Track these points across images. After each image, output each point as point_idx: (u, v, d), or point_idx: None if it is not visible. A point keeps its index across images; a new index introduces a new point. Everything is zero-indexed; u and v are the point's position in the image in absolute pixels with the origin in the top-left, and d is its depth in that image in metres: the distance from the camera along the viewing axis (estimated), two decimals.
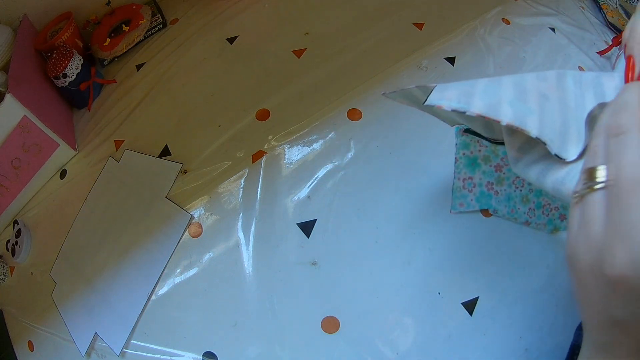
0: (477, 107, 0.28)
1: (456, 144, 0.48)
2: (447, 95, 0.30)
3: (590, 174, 0.22)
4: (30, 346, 0.51)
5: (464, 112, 0.28)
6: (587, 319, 0.24)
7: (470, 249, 0.45)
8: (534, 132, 0.26)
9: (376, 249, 0.45)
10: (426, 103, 0.30)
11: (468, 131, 0.47)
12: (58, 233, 0.54)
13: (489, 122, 0.31)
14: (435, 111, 0.35)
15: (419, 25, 0.60)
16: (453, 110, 0.29)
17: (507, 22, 0.62)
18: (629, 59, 0.27)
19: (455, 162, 0.47)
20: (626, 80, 0.26)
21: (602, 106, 0.26)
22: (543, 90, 0.27)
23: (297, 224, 0.47)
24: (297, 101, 0.54)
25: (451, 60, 0.57)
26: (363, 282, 0.44)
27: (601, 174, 0.22)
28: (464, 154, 0.47)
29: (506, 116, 0.27)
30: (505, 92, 0.28)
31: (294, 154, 0.51)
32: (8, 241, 0.58)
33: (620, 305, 0.21)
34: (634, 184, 0.20)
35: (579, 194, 0.23)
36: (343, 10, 0.63)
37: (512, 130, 0.29)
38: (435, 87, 0.31)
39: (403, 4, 0.63)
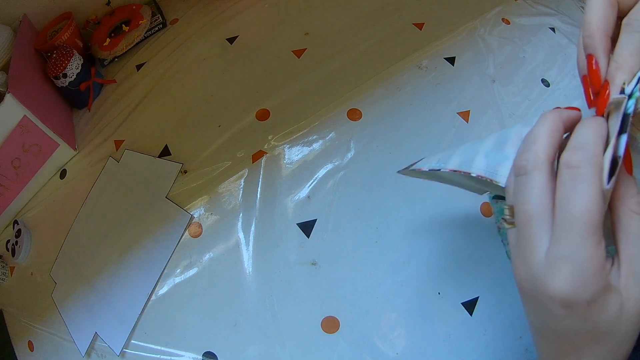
0: (452, 164, 0.29)
1: (494, 213, 0.46)
2: (430, 159, 0.32)
3: (510, 211, 0.25)
4: (30, 346, 0.51)
5: (439, 170, 0.30)
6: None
7: (470, 249, 0.45)
8: (503, 181, 0.26)
9: (376, 249, 0.45)
10: (411, 168, 0.33)
11: (497, 197, 0.46)
12: (58, 233, 0.54)
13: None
14: (459, 182, 0.35)
15: (419, 25, 0.60)
16: (430, 170, 0.30)
17: (507, 22, 0.62)
18: (605, 84, 0.24)
19: (499, 231, 0.46)
20: (598, 112, 0.24)
21: None
22: (525, 134, 0.27)
23: (297, 224, 0.47)
24: (297, 101, 0.54)
25: (451, 60, 0.57)
26: (363, 282, 0.44)
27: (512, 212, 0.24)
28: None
29: (477, 168, 0.27)
30: (485, 146, 0.29)
31: (294, 154, 0.51)
32: (8, 241, 0.58)
33: (533, 313, 0.24)
34: (527, 219, 0.23)
35: (501, 228, 0.25)
36: (343, 10, 0.63)
37: None
38: (424, 158, 0.33)
39: (403, 4, 0.63)
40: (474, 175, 0.27)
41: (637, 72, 0.22)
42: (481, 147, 0.29)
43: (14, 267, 0.58)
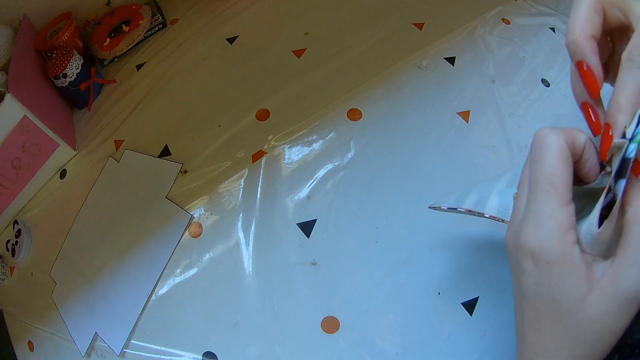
0: (467, 203, 0.30)
1: None
2: (450, 198, 0.33)
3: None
4: (30, 346, 0.51)
5: (456, 209, 0.31)
6: (515, 306, 0.26)
7: (470, 249, 0.45)
8: None
9: (376, 249, 0.45)
10: (431, 205, 0.34)
11: None
12: (58, 233, 0.54)
13: None
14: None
15: (419, 25, 0.60)
16: (449, 208, 0.31)
17: (507, 22, 0.62)
18: (606, 127, 0.22)
19: None
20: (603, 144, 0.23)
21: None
22: None
23: (297, 224, 0.47)
24: (297, 101, 0.54)
25: (451, 60, 0.57)
26: (363, 282, 0.44)
27: None
28: None
29: (491, 208, 0.28)
30: (499, 183, 0.30)
31: (294, 154, 0.51)
32: (8, 241, 0.58)
33: (513, 276, 0.25)
34: (522, 183, 0.25)
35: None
36: (343, 10, 0.63)
37: None
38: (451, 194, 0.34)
39: (403, 4, 0.63)
40: (487, 216, 0.28)
41: (638, 111, 0.21)
42: (496, 184, 0.29)
43: (14, 267, 0.58)
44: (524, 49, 0.60)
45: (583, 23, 0.23)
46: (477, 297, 0.43)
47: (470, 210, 0.30)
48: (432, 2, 0.63)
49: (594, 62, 0.23)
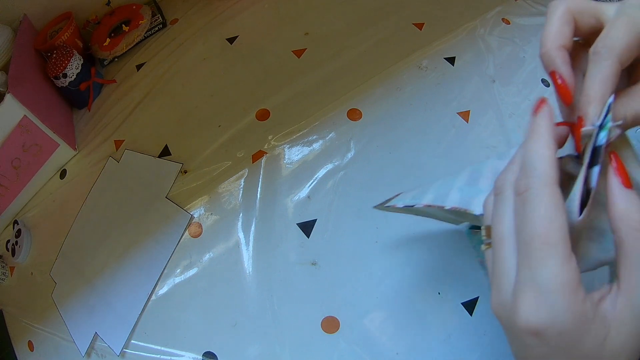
0: (426, 200, 0.30)
1: (473, 246, 0.45)
2: (405, 196, 0.33)
3: (487, 231, 0.24)
4: (30, 346, 0.51)
5: (413, 206, 0.30)
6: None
7: (470, 249, 0.45)
8: (477, 210, 0.27)
9: (376, 249, 0.45)
10: (386, 204, 0.33)
11: (474, 228, 0.45)
12: (58, 233, 0.54)
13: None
14: (435, 214, 0.35)
15: (419, 25, 0.60)
16: (405, 207, 0.31)
17: (507, 22, 0.62)
18: (579, 120, 0.22)
19: (481, 263, 0.44)
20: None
21: None
22: (500, 167, 0.26)
23: (297, 224, 0.47)
24: (297, 101, 0.54)
25: (451, 60, 0.57)
26: (363, 282, 0.44)
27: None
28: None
29: (451, 201, 0.28)
30: (458, 181, 0.30)
31: (294, 154, 0.51)
32: (8, 241, 0.58)
33: (510, 341, 0.22)
34: (499, 240, 0.22)
35: (483, 250, 0.25)
36: (343, 10, 0.63)
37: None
38: (401, 193, 0.35)
39: (403, 4, 0.63)
40: (447, 208, 0.28)
41: (608, 100, 0.21)
42: (455, 182, 0.29)
43: (14, 267, 0.58)
44: (524, 49, 0.60)
45: (553, 35, 0.23)
46: (477, 297, 0.43)
47: (429, 205, 0.30)
48: (432, 2, 0.63)
49: (565, 71, 0.23)
